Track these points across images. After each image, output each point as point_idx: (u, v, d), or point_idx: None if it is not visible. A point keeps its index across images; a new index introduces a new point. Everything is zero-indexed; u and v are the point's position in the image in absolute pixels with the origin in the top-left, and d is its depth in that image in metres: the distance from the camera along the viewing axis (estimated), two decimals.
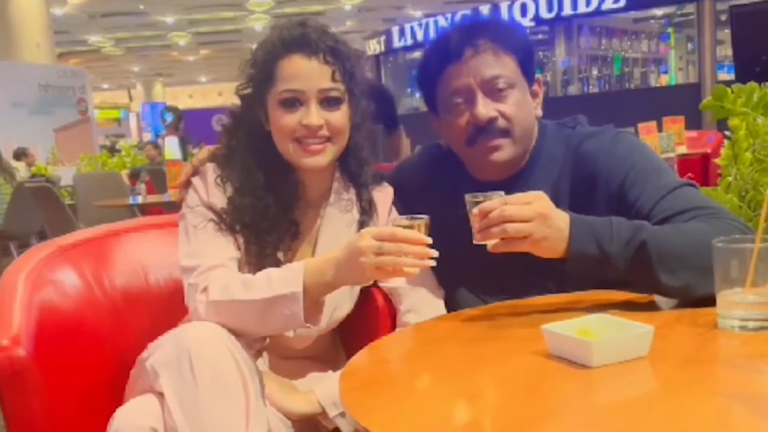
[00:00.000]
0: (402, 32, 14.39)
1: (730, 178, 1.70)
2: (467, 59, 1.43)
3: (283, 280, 1.25)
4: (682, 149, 4.78)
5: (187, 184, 1.46)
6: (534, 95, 1.52)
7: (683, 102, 8.20)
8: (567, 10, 11.85)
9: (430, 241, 1.19)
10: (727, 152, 1.74)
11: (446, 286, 1.52)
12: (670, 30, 14.91)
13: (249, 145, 1.44)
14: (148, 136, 19.25)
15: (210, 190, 1.41)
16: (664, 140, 4.03)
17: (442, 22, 13.00)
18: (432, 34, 13.21)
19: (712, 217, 1.25)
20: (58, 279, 1.47)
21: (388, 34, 14.79)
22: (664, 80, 14.47)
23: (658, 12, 14.81)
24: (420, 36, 13.71)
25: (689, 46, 13.80)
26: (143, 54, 23.70)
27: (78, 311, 1.47)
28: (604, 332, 0.95)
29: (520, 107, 1.45)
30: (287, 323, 1.27)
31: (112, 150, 11.98)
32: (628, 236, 1.20)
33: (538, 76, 1.55)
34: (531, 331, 1.06)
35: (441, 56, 1.47)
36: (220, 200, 1.40)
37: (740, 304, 1.02)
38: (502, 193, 1.23)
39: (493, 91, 1.43)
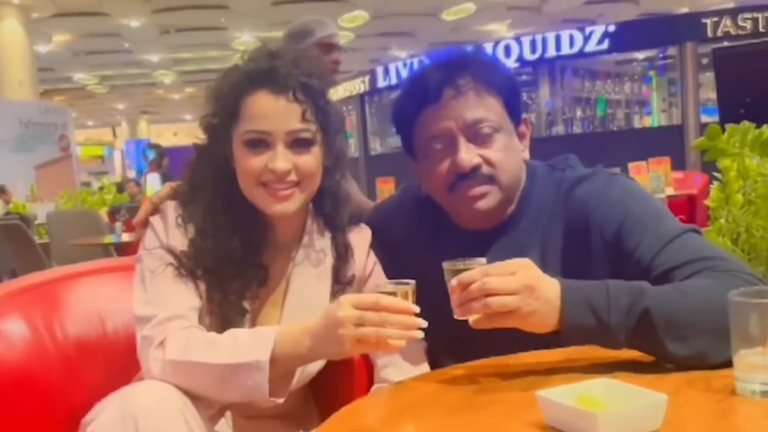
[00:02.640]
0: (386, 72, 14.46)
1: (721, 221, 1.63)
2: (447, 101, 1.31)
3: (250, 345, 1.12)
4: (670, 190, 4.76)
5: (146, 223, 1.33)
6: (521, 137, 1.41)
7: (667, 143, 8.26)
8: (551, 52, 11.96)
9: (417, 309, 1.06)
10: (717, 194, 1.67)
11: (428, 338, 1.39)
12: (651, 73, 15.12)
13: (213, 182, 1.32)
14: (132, 173, 19.18)
15: (170, 231, 1.29)
16: (654, 181, 3.96)
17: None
18: None
19: (721, 271, 1.12)
20: (3, 328, 1.35)
21: (373, 73, 14.86)
22: (647, 122, 14.62)
23: (640, 55, 15.03)
24: (405, 75, 13.80)
25: (671, 88, 13.98)
26: (128, 92, 23.69)
27: (25, 363, 1.35)
28: (610, 401, 0.83)
29: (506, 152, 1.33)
30: (250, 394, 1.12)
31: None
32: (628, 303, 1.07)
33: (524, 116, 1.43)
34: (524, 396, 0.93)
35: (418, 97, 1.35)
36: (180, 242, 1.28)
37: (761, 367, 0.90)
38: (484, 260, 1.12)
39: (477, 136, 1.32)
